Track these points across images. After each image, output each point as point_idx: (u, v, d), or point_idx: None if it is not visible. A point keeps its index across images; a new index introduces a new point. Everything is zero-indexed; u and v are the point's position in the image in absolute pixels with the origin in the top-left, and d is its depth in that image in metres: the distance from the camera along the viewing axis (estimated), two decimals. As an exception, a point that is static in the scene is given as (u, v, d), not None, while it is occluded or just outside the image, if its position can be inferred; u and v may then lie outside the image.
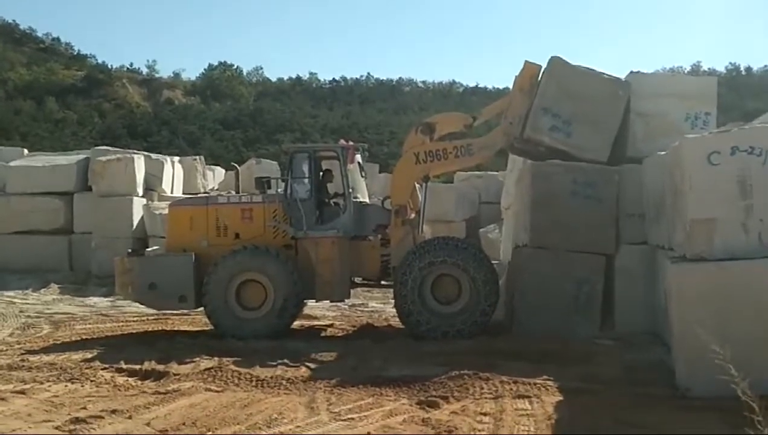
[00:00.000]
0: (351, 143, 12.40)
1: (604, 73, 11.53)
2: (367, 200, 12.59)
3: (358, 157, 12.42)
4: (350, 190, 11.78)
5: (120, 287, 12.17)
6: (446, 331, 10.86)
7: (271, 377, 8.72)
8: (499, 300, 11.33)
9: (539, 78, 11.46)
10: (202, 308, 11.67)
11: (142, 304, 12.44)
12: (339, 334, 12.23)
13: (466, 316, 10.97)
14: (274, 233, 11.76)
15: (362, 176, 12.59)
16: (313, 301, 12.46)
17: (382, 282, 12.13)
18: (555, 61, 11.46)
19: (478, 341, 10.45)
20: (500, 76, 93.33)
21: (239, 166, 16.00)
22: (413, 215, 11.81)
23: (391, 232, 11.71)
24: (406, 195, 11.70)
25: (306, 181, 11.78)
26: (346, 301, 13.07)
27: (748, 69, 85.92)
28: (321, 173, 12.25)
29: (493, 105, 12.26)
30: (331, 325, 13.00)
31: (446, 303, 11.10)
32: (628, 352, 9.52)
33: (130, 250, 12.46)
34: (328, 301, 13.12)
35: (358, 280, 12.28)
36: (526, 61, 11.47)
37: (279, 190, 12.13)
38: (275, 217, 11.74)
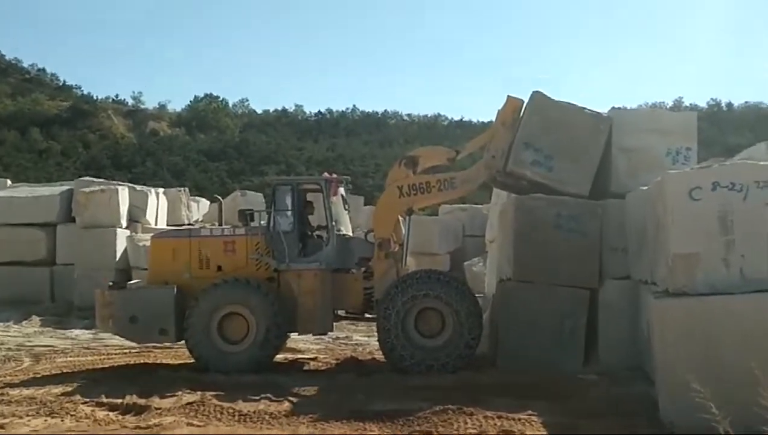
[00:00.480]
0: (334, 176, 12.43)
1: (585, 108, 11.65)
2: (350, 233, 12.59)
3: (342, 190, 12.45)
4: (333, 223, 11.78)
5: (100, 320, 12.04)
6: (430, 365, 10.80)
7: (254, 412, 8.64)
8: (483, 333, 11.30)
9: (521, 112, 11.56)
10: (183, 342, 11.56)
11: (122, 337, 12.31)
12: (322, 368, 12.16)
13: (450, 350, 10.91)
14: (257, 266, 11.71)
15: (345, 209, 12.60)
16: (297, 334, 12.36)
17: (366, 315, 12.08)
18: (537, 96, 11.59)
19: (463, 375, 10.41)
20: (485, 109, 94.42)
21: (223, 197, 16.01)
22: (397, 248, 11.81)
23: (374, 265, 11.69)
24: (389, 228, 11.72)
25: (289, 213, 11.76)
26: (331, 334, 13.01)
27: (729, 105, 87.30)
28: (304, 205, 12.25)
29: (476, 139, 12.32)
30: (315, 359, 12.92)
31: (430, 337, 11.03)
32: (612, 387, 9.50)
33: (111, 283, 12.36)
34: (311, 335, 13.05)
35: (341, 312, 12.22)
36: (509, 96, 11.59)
37: (262, 222, 12.09)
38: (258, 250, 11.70)
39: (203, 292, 11.30)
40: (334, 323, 12.08)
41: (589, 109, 11.67)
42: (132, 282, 12.15)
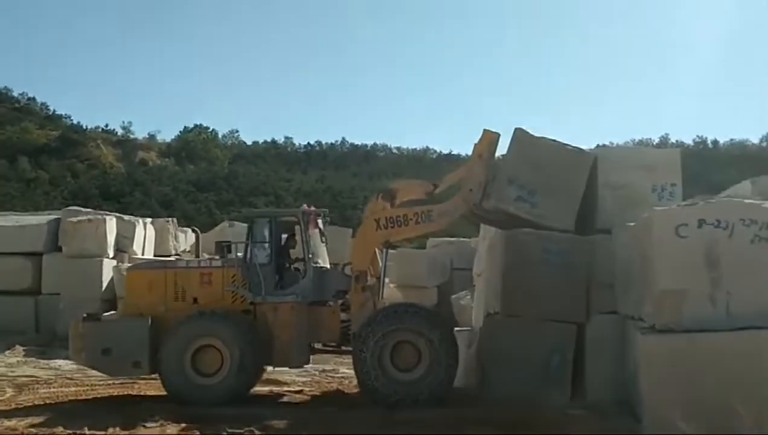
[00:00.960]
0: (313, 208, 12.45)
1: (567, 145, 11.76)
2: (327, 265, 12.51)
3: (320, 223, 12.44)
4: (310, 256, 11.76)
5: (74, 352, 11.89)
6: (406, 399, 10.71)
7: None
8: (470, 367, 11.26)
9: (497, 146, 11.60)
10: (156, 374, 11.45)
11: (95, 369, 12.17)
12: (306, 400, 12.05)
13: (426, 384, 10.84)
14: (233, 298, 11.66)
15: (322, 241, 12.55)
16: (284, 366, 12.29)
17: (343, 347, 12.02)
18: (519, 133, 11.69)
19: (449, 409, 10.36)
20: (473, 143, 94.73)
21: (212, 228, 15.99)
22: (374, 281, 11.77)
23: (351, 298, 11.64)
24: (366, 260, 11.69)
25: (266, 245, 11.72)
26: (317, 366, 12.94)
27: (715, 142, 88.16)
28: (285, 238, 12.25)
29: (453, 173, 12.32)
30: (300, 391, 12.83)
31: (406, 370, 10.97)
32: (599, 422, 9.48)
33: (85, 315, 12.26)
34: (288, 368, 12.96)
35: (318, 345, 12.16)
36: (485, 130, 11.63)
37: (239, 254, 12.04)
38: (234, 282, 11.65)
39: (177, 324, 11.23)
40: (312, 356, 12.03)
41: (572, 146, 11.77)
42: (107, 314, 12.07)
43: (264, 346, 11.37)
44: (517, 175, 11.43)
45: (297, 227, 12.12)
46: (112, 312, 12.18)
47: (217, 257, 12.29)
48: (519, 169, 11.47)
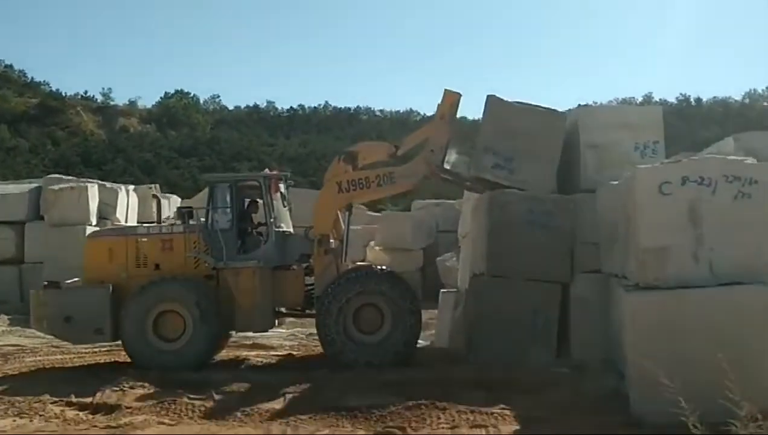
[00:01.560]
0: (275, 172, 12.37)
1: (539, 107, 11.72)
2: (291, 230, 12.48)
3: (282, 187, 12.38)
4: (272, 220, 11.72)
5: (35, 321, 11.87)
6: (369, 361, 10.79)
7: (226, 409, 8.59)
8: (456, 328, 11.31)
9: (459, 106, 11.57)
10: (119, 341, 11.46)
11: (57, 337, 12.19)
12: (293, 363, 12.09)
13: (389, 346, 10.96)
14: (195, 264, 11.64)
15: (284, 205, 12.50)
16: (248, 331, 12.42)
17: (308, 311, 12.00)
18: (491, 100, 11.64)
19: (436, 370, 10.44)
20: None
21: (195, 194, 15.90)
22: (336, 244, 11.75)
23: (314, 262, 11.64)
24: (328, 224, 11.68)
25: (227, 211, 11.68)
26: (304, 330, 12.95)
27: (698, 100, 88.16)
28: (246, 203, 12.22)
29: (415, 133, 12.26)
30: (289, 355, 12.87)
31: (369, 333, 11.06)
32: (583, 380, 9.55)
33: (46, 283, 12.18)
34: (284, 330, 12.97)
35: (282, 309, 12.17)
36: (446, 90, 11.59)
37: (201, 220, 11.98)
38: (196, 248, 11.61)
39: (138, 291, 11.22)
40: (301, 320, 12.04)
41: (544, 107, 11.73)
42: (69, 281, 12.01)
43: (227, 311, 11.38)
44: (492, 142, 11.44)
45: (259, 191, 12.01)
46: (75, 279, 12.07)
47: (178, 223, 12.20)
48: (494, 136, 11.47)
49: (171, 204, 25.32)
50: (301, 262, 11.90)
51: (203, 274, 11.59)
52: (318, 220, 11.69)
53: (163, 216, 23.40)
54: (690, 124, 65.59)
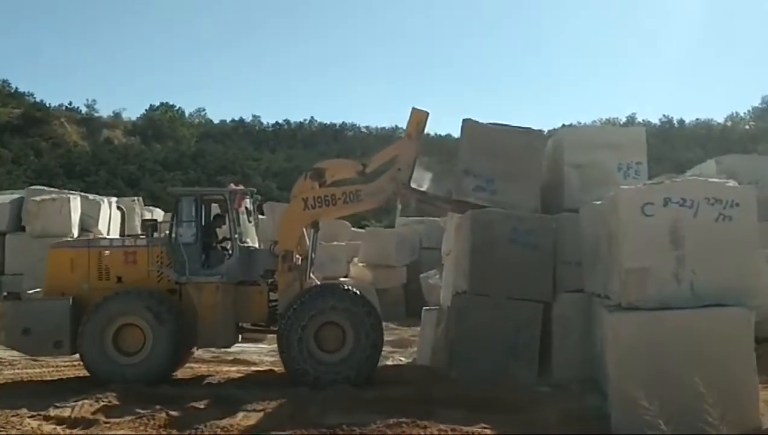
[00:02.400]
0: (240, 187, 12.32)
1: (517, 127, 11.78)
2: (256, 245, 12.43)
3: (247, 202, 12.33)
4: (237, 235, 11.67)
5: None
6: (332, 379, 10.68)
7: (205, 425, 8.52)
8: (439, 346, 11.27)
9: (426, 125, 11.57)
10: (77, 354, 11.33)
11: (15, 349, 12.04)
12: (273, 380, 12.01)
13: (351, 364, 10.88)
14: (158, 277, 11.56)
15: (249, 221, 12.44)
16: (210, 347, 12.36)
17: (272, 327, 11.87)
18: (467, 124, 11.71)
19: (417, 388, 10.38)
20: (443, 123, 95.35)
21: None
22: (301, 261, 11.69)
23: (278, 278, 11.57)
24: (293, 240, 11.60)
25: (192, 225, 11.59)
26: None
27: (681, 122, 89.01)
28: (211, 218, 12.16)
29: (382, 152, 12.19)
30: (269, 371, 12.79)
31: (331, 351, 10.98)
32: (565, 400, 9.54)
33: (5, 294, 12.05)
34: (265, 345, 12.89)
35: (246, 325, 12.09)
36: (413, 108, 11.59)
37: (165, 233, 11.89)
38: (159, 262, 11.54)
39: (98, 303, 11.10)
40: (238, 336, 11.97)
41: (522, 128, 11.80)
42: (30, 292, 11.90)
43: (189, 326, 11.30)
44: (472, 165, 11.49)
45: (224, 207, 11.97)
46: (36, 290, 11.97)
47: (142, 236, 12.13)
48: (473, 159, 11.52)
49: (154, 217, 25.27)
50: (266, 278, 11.82)
51: (166, 288, 11.50)
52: (283, 236, 11.65)
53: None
54: (673, 145, 66.22)
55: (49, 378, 11.97)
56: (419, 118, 11.51)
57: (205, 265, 11.59)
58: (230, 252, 11.75)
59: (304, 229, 11.73)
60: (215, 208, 12.30)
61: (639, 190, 8.14)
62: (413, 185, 11.59)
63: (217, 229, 12.24)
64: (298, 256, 11.62)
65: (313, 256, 11.93)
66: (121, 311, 11.07)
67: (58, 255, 11.90)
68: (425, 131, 11.68)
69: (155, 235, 11.91)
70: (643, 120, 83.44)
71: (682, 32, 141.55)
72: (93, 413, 9.04)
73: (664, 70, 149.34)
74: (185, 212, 11.63)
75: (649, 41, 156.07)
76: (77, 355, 11.70)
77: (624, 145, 11.82)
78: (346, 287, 11.87)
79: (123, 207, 16.70)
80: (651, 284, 7.71)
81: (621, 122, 79.68)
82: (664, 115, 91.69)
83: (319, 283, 11.90)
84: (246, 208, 12.26)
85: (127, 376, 10.76)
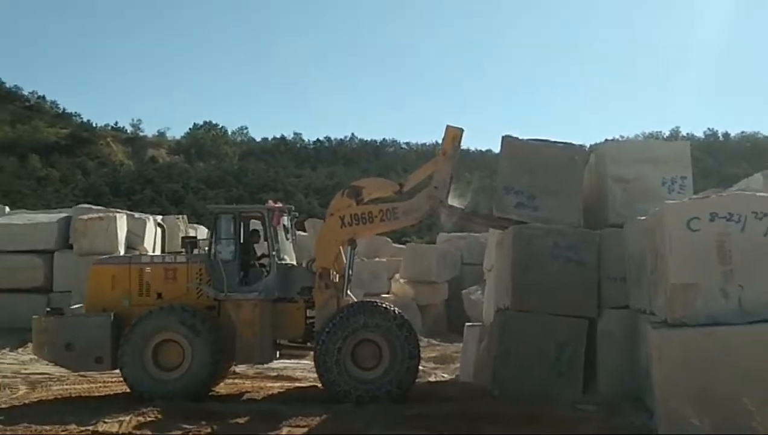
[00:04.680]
0: (278, 205, 12.41)
1: (557, 142, 11.73)
2: (293, 262, 12.49)
3: (285, 219, 12.40)
4: (275, 252, 11.74)
5: (36, 348, 11.96)
6: (369, 396, 10.70)
7: (251, 441, 8.59)
8: (482, 363, 11.20)
9: (461, 141, 11.51)
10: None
11: (57, 365, 12.19)
12: (317, 396, 12.05)
13: (387, 382, 10.88)
14: (198, 294, 11.68)
15: (287, 238, 12.52)
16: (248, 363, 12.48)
17: (309, 344, 11.89)
18: (507, 140, 11.69)
19: (460, 404, 10.35)
20: (483, 139, 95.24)
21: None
22: (338, 279, 11.71)
23: (314, 296, 11.61)
24: (330, 258, 11.63)
25: (230, 242, 11.71)
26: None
27: (726, 135, 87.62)
28: (249, 235, 12.27)
29: (418, 171, 12.18)
30: (313, 387, 12.82)
31: (367, 368, 11.00)
32: (610, 417, 9.44)
33: (48, 309, 12.24)
34: (309, 361, 12.93)
35: (284, 342, 12.14)
36: (448, 126, 11.53)
37: (205, 250, 12.01)
38: (200, 278, 11.66)
39: (138, 319, 11.24)
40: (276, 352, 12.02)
41: (562, 142, 11.75)
42: (73, 307, 12.07)
43: (227, 342, 11.40)
44: (512, 181, 11.46)
45: (262, 224, 12.06)
46: (79, 305, 12.15)
47: (183, 253, 12.28)
48: (514, 175, 11.50)
49: (198, 234, 25.57)
50: (303, 295, 11.87)
51: (205, 305, 11.62)
52: (320, 253, 11.71)
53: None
54: (718, 159, 65.18)
55: (97, 393, 12.14)
56: (454, 134, 11.49)
57: (243, 282, 11.71)
58: (268, 269, 11.85)
59: (341, 247, 11.77)
60: (255, 225, 12.40)
61: (685, 205, 8.06)
62: (451, 202, 11.59)
63: (255, 246, 12.35)
64: (335, 273, 11.67)
65: (350, 273, 11.99)
66: (160, 327, 11.22)
67: (99, 272, 12.09)
68: (461, 147, 11.66)
69: (195, 251, 12.07)
70: (687, 133, 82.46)
71: (726, 44, 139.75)
72: (139, 428, 9.16)
73: (708, 82, 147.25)
74: (224, 230, 11.78)
75: (693, 53, 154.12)
76: (100, 371, 11.98)
77: (668, 160, 11.69)
78: (376, 303, 11.86)
79: (164, 224, 16.92)
80: (698, 300, 7.61)
81: (664, 136, 78.78)
82: (708, 129, 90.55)
83: (355, 300, 11.92)
84: (284, 225, 12.36)
85: (165, 390, 10.90)
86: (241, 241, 11.90)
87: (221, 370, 11.97)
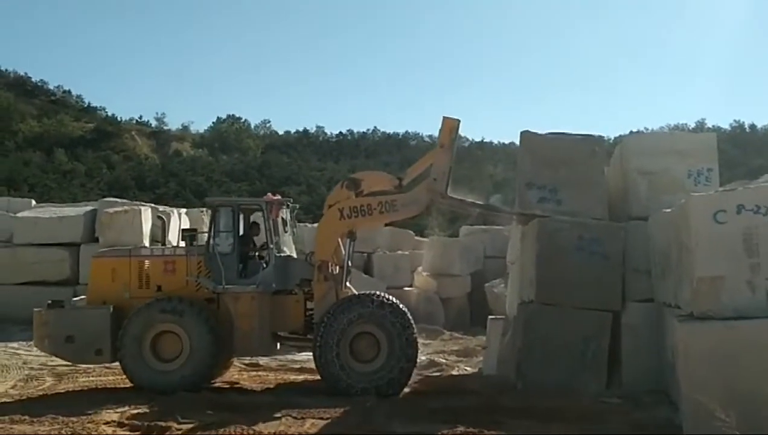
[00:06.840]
0: (277, 197, 12.42)
1: (576, 134, 11.67)
2: (293, 254, 12.50)
3: (284, 212, 12.43)
4: (273, 245, 11.76)
5: (37, 340, 12.03)
6: (365, 387, 10.76)
7: (275, 433, 8.63)
8: (505, 356, 11.17)
9: (458, 132, 11.48)
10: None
11: (58, 357, 12.31)
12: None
13: (385, 373, 10.92)
14: (197, 286, 11.72)
15: (285, 231, 12.52)
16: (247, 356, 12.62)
17: (308, 336, 11.89)
18: (525, 135, 11.67)
19: (483, 398, 10.35)
20: (505, 131, 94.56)
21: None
22: (337, 270, 11.72)
23: (313, 288, 11.63)
24: (329, 250, 11.65)
25: (229, 235, 11.74)
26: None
27: (752, 126, 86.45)
28: (249, 226, 12.34)
29: (417, 164, 12.15)
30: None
31: (365, 361, 11.03)
32: (635, 411, 9.41)
33: (49, 302, 12.38)
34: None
35: (283, 334, 12.17)
36: (445, 117, 11.48)
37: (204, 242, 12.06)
38: (199, 271, 11.70)
39: (137, 311, 11.33)
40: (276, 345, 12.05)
41: (580, 135, 11.68)
42: (74, 300, 12.16)
43: (226, 334, 11.46)
44: (534, 177, 11.45)
45: (261, 216, 12.09)
46: (80, 298, 12.25)
47: (182, 245, 12.34)
48: (535, 170, 11.49)
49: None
50: (302, 287, 11.91)
51: (204, 297, 11.68)
52: (318, 245, 11.71)
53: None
54: (744, 150, 64.35)
55: (123, 386, 12.24)
56: (451, 126, 11.44)
57: (242, 274, 11.77)
58: (267, 261, 11.89)
59: (340, 239, 11.78)
60: (256, 218, 12.46)
61: (711, 197, 7.98)
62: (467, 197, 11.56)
63: (255, 239, 12.40)
64: (334, 265, 11.70)
65: (349, 265, 12.01)
66: (158, 318, 11.31)
67: (100, 264, 12.19)
68: (457, 138, 11.57)
69: (194, 244, 12.15)
70: (713, 125, 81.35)
71: (752, 35, 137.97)
72: (164, 420, 9.22)
73: (734, 74, 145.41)
74: (222, 222, 11.82)
75: (719, 44, 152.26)
76: (100, 363, 12.16)
77: (694, 152, 11.58)
78: (383, 297, 11.75)
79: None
80: (724, 293, 7.53)
81: (690, 128, 77.79)
82: (734, 120, 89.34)
83: (355, 292, 11.94)
84: (282, 217, 12.38)
85: (164, 382, 11.04)
86: (240, 234, 11.95)
87: (220, 361, 12.06)
